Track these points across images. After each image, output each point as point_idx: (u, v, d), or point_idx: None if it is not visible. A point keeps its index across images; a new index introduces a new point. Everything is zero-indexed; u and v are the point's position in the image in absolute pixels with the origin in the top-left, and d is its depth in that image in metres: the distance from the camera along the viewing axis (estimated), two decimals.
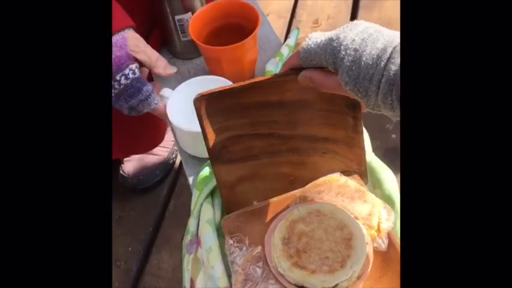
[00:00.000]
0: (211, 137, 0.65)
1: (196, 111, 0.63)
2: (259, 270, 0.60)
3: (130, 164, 1.38)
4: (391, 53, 0.45)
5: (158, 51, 0.95)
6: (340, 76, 0.49)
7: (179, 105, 0.77)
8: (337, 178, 0.66)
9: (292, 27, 1.76)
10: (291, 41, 0.87)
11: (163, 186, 1.42)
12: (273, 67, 0.82)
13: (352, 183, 0.65)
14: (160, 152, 1.41)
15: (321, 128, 0.68)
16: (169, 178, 1.43)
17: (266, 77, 0.64)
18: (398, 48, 0.45)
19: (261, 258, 0.61)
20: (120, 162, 1.38)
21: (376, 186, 0.72)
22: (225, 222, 0.66)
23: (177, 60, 0.94)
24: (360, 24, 0.50)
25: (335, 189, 0.64)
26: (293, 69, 0.58)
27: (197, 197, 0.72)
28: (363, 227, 0.60)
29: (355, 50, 0.48)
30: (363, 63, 0.47)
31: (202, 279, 0.67)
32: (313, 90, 0.59)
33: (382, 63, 0.46)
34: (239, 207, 0.69)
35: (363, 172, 0.71)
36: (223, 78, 0.78)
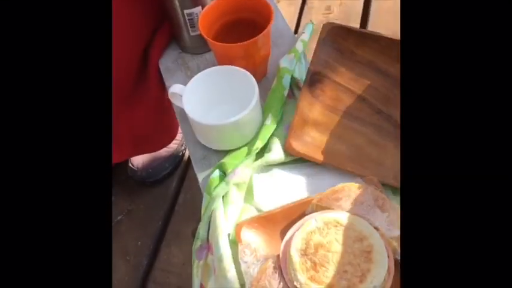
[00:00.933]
0: (315, 62, 0.68)
1: (320, 35, 0.69)
2: (274, 283, 0.58)
3: (139, 157, 1.35)
4: None
5: (167, 45, 0.92)
6: None
7: (196, 98, 0.74)
8: (356, 185, 0.63)
9: (304, 14, 1.71)
10: (305, 36, 0.83)
11: (173, 179, 1.39)
12: (288, 64, 0.78)
13: (372, 190, 0.62)
14: (170, 144, 1.39)
15: None
16: (178, 170, 1.41)
17: (390, 37, 0.68)
18: None
19: (277, 270, 0.58)
20: None
21: (396, 192, 0.69)
22: (238, 228, 0.63)
23: (186, 55, 0.91)
24: None
25: (354, 196, 0.61)
26: None
27: (208, 202, 0.69)
28: (383, 239, 0.57)
29: None
30: None
31: (214, 286, 0.65)
32: None
33: None
34: (296, 142, 0.67)
35: None
36: (241, 69, 0.75)
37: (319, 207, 0.62)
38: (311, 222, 0.59)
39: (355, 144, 0.68)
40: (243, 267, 0.61)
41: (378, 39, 0.69)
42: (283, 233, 0.62)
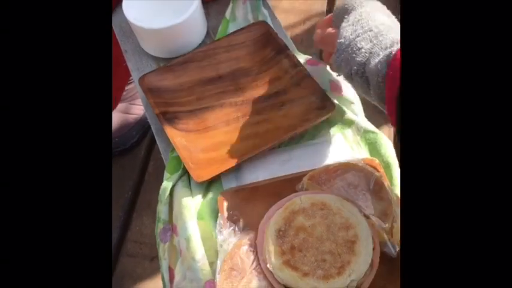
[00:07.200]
0: (160, 109, 0.67)
1: (142, 90, 0.69)
2: (247, 262, 0.53)
3: None
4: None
5: None
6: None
7: (139, 7, 0.73)
8: (353, 165, 0.57)
9: None
10: None
11: (141, 147, 1.33)
12: None
13: (368, 173, 0.56)
14: (136, 111, 1.32)
15: (267, 86, 0.69)
16: (147, 138, 1.34)
17: (198, 49, 0.72)
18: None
19: (252, 247, 0.54)
20: None
21: (372, 153, 0.65)
22: (222, 197, 0.59)
23: None
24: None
25: (348, 177, 0.56)
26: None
27: (167, 180, 0.64)
28: (372, 229, 0.52)
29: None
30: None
31: (181, 269, 0.60)
32: (245, 58, 0.71)
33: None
34: (201, 171, 0.62)
35: (325, 97, 0.65)
36: None
37: (310, 185, 0.57)
38: (296, 201, 0.54)
39: (247, 135, 0.66)
40: (218, 238, 0.56)
41: (193, 59, 0.71)
42: (267, 208, 0.57)
